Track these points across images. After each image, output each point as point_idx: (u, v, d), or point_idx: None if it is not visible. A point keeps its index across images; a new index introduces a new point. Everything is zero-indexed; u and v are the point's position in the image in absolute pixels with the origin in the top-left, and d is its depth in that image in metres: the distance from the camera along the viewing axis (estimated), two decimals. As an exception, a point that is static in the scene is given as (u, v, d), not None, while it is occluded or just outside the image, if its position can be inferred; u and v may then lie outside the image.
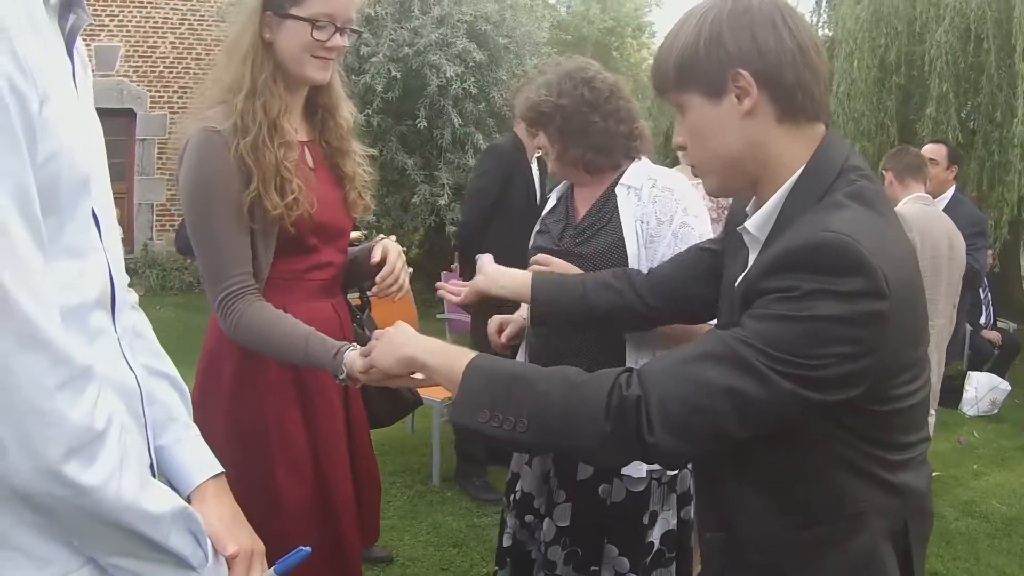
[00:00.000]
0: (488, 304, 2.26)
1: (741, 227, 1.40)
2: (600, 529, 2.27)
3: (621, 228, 2.23)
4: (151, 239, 13.68)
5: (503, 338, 2.45)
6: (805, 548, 1.34)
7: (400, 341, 1.52)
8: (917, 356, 1.29)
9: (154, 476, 1.24)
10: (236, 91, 1.92)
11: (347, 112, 2.16)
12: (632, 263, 2.19)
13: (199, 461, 1.35)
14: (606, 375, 1.29)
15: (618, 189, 2.28)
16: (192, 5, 13.56)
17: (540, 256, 2.28)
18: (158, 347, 1.39)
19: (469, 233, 4.75)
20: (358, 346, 1.81)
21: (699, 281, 1.82)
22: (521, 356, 2.50)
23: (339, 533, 2.09)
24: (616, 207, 2.26)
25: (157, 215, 13.74)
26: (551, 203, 2.54)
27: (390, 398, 2.29)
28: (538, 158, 4.81)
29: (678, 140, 1.45)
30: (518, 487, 2.45)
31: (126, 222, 13.51)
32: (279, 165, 1.89)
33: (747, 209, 1.45)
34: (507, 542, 2.48)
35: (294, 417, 2.03)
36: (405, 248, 2.97)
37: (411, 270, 2.23)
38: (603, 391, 1.26)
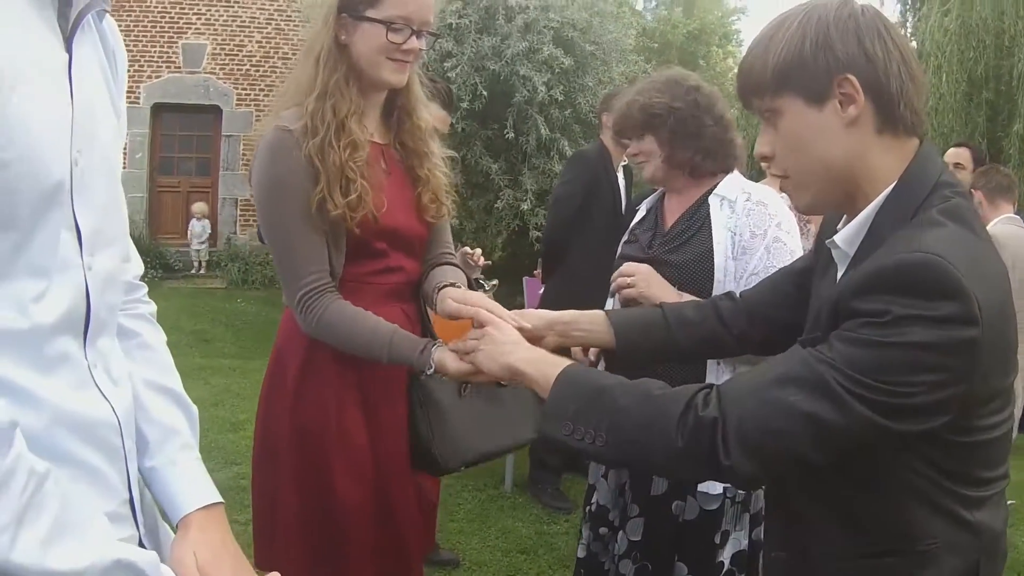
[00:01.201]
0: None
1: (830, 240, 1.36)
2: (671, 546, 2.24)
3: (711, 238, 2.22)
4: (234, 233, 13.93)
5: (590, 354, 2.42)
6: None
7: (505, 349, 1.55)
8: (1005, 385, 1.24)
9: (133, 505, 1.17)
10: (308, 92, 1.93)
11: (426, 114, 2.15)
12: (719, 274, 2.19)
13: (190, 489, 1.25)
14: (684, 391, 1.28)
15: (711, 199, 2.27)
16: (279, 5, 13.77)
17: (626, 266, 2.27)
18: (168, 362, 1.33)
19: (553, 240, 4.75)
20: (444, 344, 1.82)
21: (789, 307, 1.70)
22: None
23: (399, 536, 2.08)
24: (708, 217, 2.25)
25: (241, 210, 13.97)
26: (640, 214, 2.55)
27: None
28: (624, 167, 4.76)
29: (763, 150, 1.39)
30: (594, 499, 2.43)
31: (211, 216, 13.79)
32: (344, 165, 1.89)
33: (838, 225, 1.40)
34: (581, 553, 2.46)
35: (355, 418, 2.02)
36: (487, 253, 2.96)
37: (495, 282, 2.19)
38: (678, 406, 1.26)
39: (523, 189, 9.63)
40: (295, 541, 2.03)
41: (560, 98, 9.40)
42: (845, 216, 1.37)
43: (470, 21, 9.34)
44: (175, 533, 1.25)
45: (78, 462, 1.05)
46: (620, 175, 4.74)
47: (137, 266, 1.33)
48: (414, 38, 1.94)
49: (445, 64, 9.00)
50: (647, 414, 1.28)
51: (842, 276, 1.33)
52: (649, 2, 21.50)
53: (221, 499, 1.29)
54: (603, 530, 2.38)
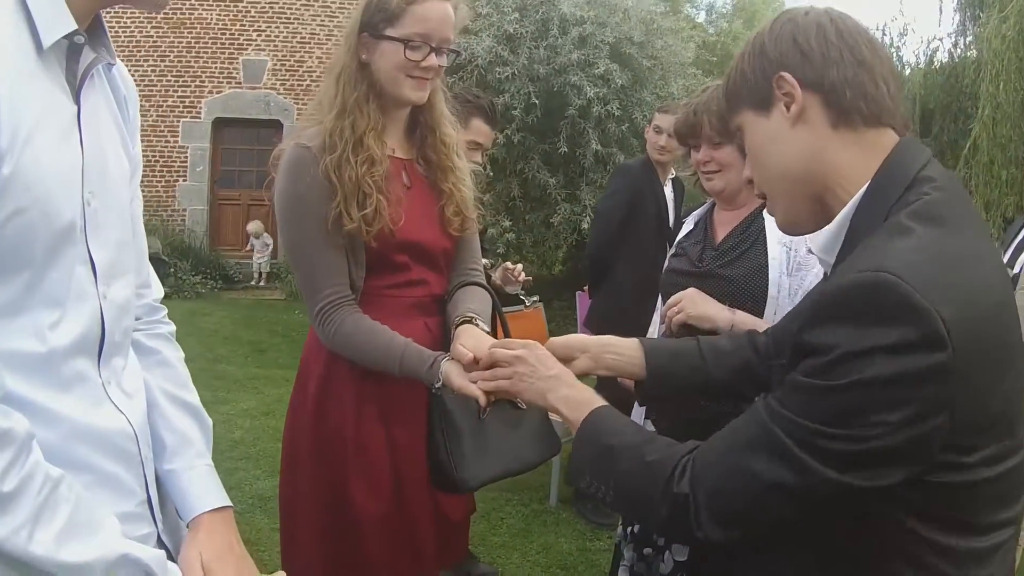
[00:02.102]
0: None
1: (809, 249, 1.33)
2: (718, 566, 2.20)
3: (766, 253, 2.19)
4: (295, 245, 14.05)
5: None
6: None
7: (547, 385, 1.52)
8: (1009, 407, 1.08)
9: (151, 505, 1.29)
10: (329, 110, 1.98)
11: (450, 129, 2.17)
12: (772, 290, 2.16)
13: (203, 493, 1.36)
14: (672, 456, 1.21)
15: (766, 213, 2.21)
16: (339, 22, 13.93)
17: (672, 299, 2.24)
18: (186, 378, 1.45)
19: (597, 255, 4.72)
20: (459, 355, 1.83)
21: None
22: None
23: (417, 550, 2.11)
24: (763, 231, 2.22)
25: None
26: (687, 227, 2.51)
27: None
28: (674, 179, 4.73)
29: (746, 173, 1.39)
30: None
31: (271, 228, 13.98)
32: (360, 180, 1.93)
33: None
34: (624, 575, 2.43)
35: (374, 432, 2.05)
36: (547, 267, 2.95)
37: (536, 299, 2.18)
38: (663, 479, 1.18)
39: (581, 204, 9.64)
40: (314, 550, 2.08)
41: (617, 112, 9.39)
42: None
43: (527, 31, 9.39)
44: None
45: (95, 469, 1.16)
46: (668, 188, 4.70)
47: (158, 290, 1.47)
48: (433, 55, 1.97)
49: (497, 70, 9.06)
50: (640, 483, 1.23)
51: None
52: (710, 15, 21.36)
53: (230, 503, 1.40)
54: (647, 551, 2.33)
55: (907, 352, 0.97)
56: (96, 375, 1.18)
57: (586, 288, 5.16)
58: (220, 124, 14.02)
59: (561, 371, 1.55)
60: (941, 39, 13.01)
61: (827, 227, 1.23)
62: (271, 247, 13.72)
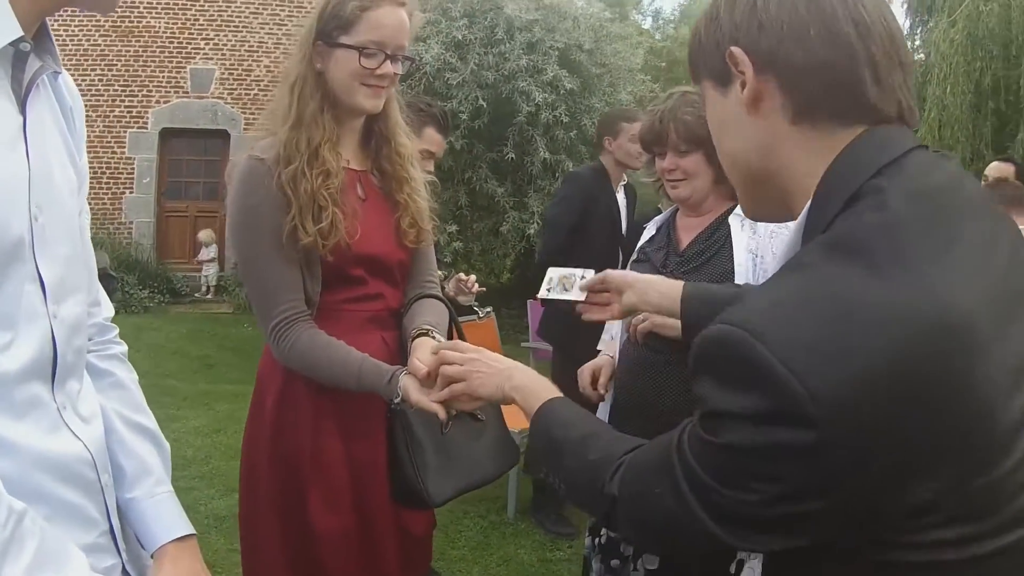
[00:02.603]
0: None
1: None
2: (689, 574, 2.19)
3: (732, 260, 2.18)
4: (242, 259, 13.92)
5: (600, 386, 2.41)
6: None
7: (503, 376, 1.50)
8: (966, 488, 0.84)
9: (114, 535, 1.24)
10: (283, 121, 1.94)
11: (405, 139, 2.14)
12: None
13: (166, 521, 1.33)
14: (610, 456, 1.12)
15: (731, 220, 2.24)
16: (287, 30, 13.82)
17: None
18: (140, 401, 1.40)
19: (549, 262, 4.64)
20: (414, 369, 1.80)
21: None
22: (608, 400, 2.45)
23: (380, 565, 2.08)
24: (728, 237, 2.22)
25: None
26: (649, 233, 2.50)
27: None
28: (626, 186, 4.72)
29: None
30: (603, 531, 2.39)
31: (217, 240, 13.85)
32: (315, 193, 1.90)
33: None
34: None
35: (333, 448, 2.02)
36: (495, 275, 2.94)
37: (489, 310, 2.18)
38: (603, 477, 1.10)
39: (529, 211, 9.63)
40: (277, 567, 2.04)
41: (565, 119, 9.40)
42: None
43: (475, 37, 9.37)
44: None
45: (55, 500, 1.11)
46: (621, 195, 4.69)
47: (108, 309, 1.41)
48: (388, 63, 1.94)
49: (447, 76, 9.03)
50: (583, 480, 1.17)
51: None
52: (656, 21, 21.48)
53: (194, 531, 1.36)
54: (615, 562, 2.34)
55: (764, 423, 0.82)
56: (51, 399, 1.13)
57: (538, 296, 5.11)
58: (167, 134, 13.84)
59: (514, 364, 1.53)
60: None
61: (786, 242, 1.03)
62: (216, 259, 13.61)
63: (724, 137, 1.09)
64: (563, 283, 2.07)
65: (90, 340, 1.32)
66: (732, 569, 2.18)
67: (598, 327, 4.71)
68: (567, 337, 4.56)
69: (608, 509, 1.09)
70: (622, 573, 2.32)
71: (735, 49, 1.00)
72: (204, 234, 13.62)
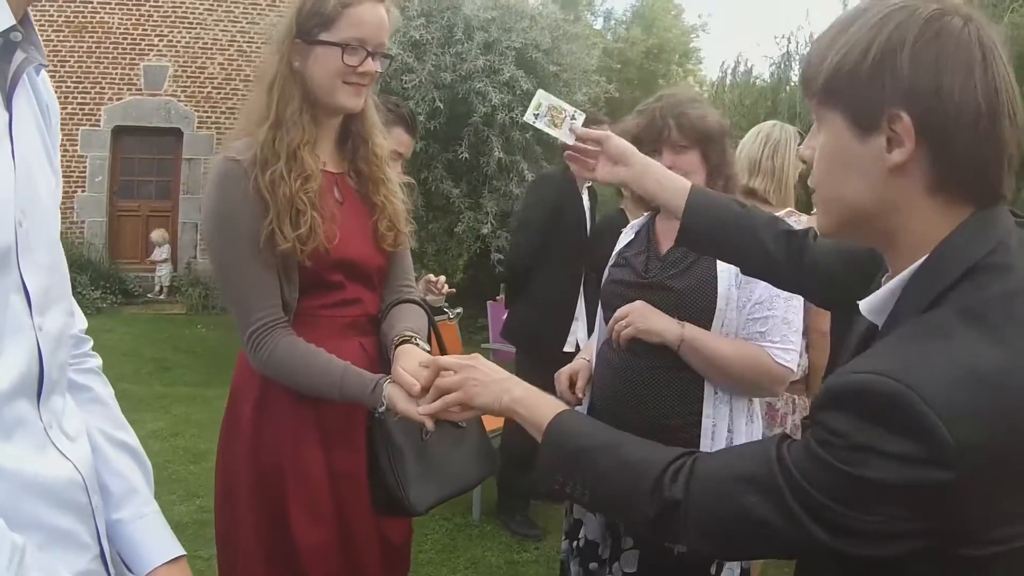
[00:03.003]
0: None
1: (860, 302, 1.16)
2: None
3: (715, 265, 2.15)
4: (195, 258, 13.84)
5: (578, 389, 2.38)
6: None
7: (502, 387, 1.48)
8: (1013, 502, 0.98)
9: (104, 559, 1.18)
10: (261, 122, 1.89)
11: (382, 140, 2.10)
12: (720, 302, 2.13)
13: (156, 543, 1.27)
14: (660, 459, 1.19)
15: None
16: (241, 27, 13.73)
17: (618, 312, 2.20)
18: (120, 416, 1.34)
19: (518, 265, 4.66)
20: (400, 379, 1.76)
21: (857, 266, 1.42)
22: (586, 404, 2.43)
23: (362, 573, 2.04)
24: None
25: (201, 234, 13.86)
26: (627, 237, 2.47)
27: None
28: (589, 188, 4.71)
29: (804, 152, 1.19)
30: (581, 534, 2.37)
31: (171, 240, 13.67)
32: (294, 197, 1.84)
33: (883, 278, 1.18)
34: None
35: (314, 457, 1.97)
36: (448, 275, 2.89)
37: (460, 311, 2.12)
38: (649, 481, 1.17)
39: (484, 212, 9.63)
40: None
41: (521, 120, 9.39)
42: (888, 270, 1.15)
43: (432, 37, 9.32)
44: None
45: (47, 526, 1.05)
46: (586, 197, 4.69)
47: (81, 320, 1.33)
48: (370, 60, 1.90)
49: (404, 78, 8.98)
50: (622, 483, 1.22)
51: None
52: (608, 22, 21.50)
53: (184, 552, 1.30)
54: (593, 565, 2.32)
55: (908, 465, 0.92)
56: (36, 418, 1.06)
57: (499, 298, 5.08)
58: (120, 132, 13.67)
59: (510, 376, 1.51)
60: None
61: (880, 291, 1.10)
62: (169, 260, 13.48)
63: (842, 177, 1.09)
64: (552, 115, 1.90)
65: None
66: (713, 570, 2.17)
67: (563, 330, 4.70)
68: (531, 339, 4.53)
69: (667, 511, 1.14)
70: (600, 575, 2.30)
71: (905, 117, 0.99)
72: (157, 234, 13.49)
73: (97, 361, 1.35)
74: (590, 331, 4.96)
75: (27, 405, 1.03)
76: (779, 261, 1.61)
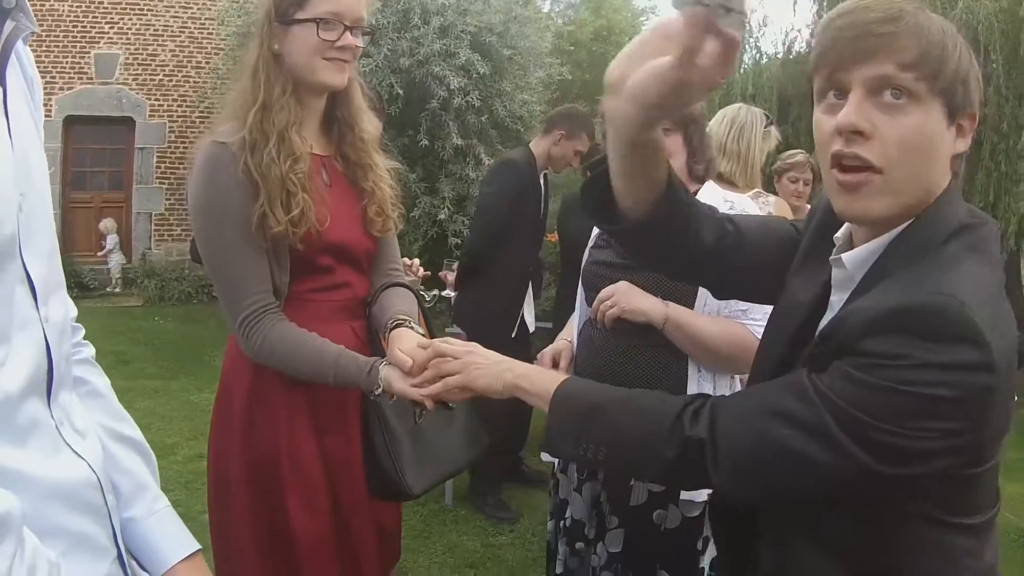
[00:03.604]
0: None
1: (835, 259, 1.25)
2: (653, 554, 2.22)
3: None
4: (149, 248, 13.65)
5: (561, 371, 2.39)
6: None
7: (503, 367, 1.50)
8: (1010, 422, 1.16)
9: (122, 561, 1.12)
10: (248, 106, 1.88)
11: (368, 125, 2.09)
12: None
13: (172, 540, 1.22)
14: (674, 403, 1.26)
15: None
16: (192, 13, 13.55)
17: (602, 292, 2.22)
18: (119, 408, 1.27)
19: (480, 250, 4.64)
20: (398, 361, 1.76)
21: (778, 258, 1.47)
22: None
23: (359, 562, 2.04)
24: None
25: (156, 224, 13.71)
26: None
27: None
28: (544, 174, 4.73)
29: (861, 124, 1.14)
30: (568, 514, 2.40)
31: (125, 231, 13.46)
32: (284, 179, 1.84)
33: (838, 235, 1.29)
34: (559, 569, 2.44)
35: (308, 445, 1.97)
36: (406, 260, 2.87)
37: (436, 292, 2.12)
38: (668, 420, 1.23)
39: (440, 197, 9.63)
40: (253, 571, 1.97)
41: (477, 103, 9.38)
42: (854, 232, 1.27)
43: (388, 22, 9.28)
44: None
45: (70, 532, 1.00)
46: (542, 183, 4.70)
47: (72, 308, 1.24)
48: (348, 34, 1.89)
49: (361, 62, 8.86)
50: (639, 430, 1.27)
51: (844, 303, 1.22)
52: (558, 3, 21.36)
53: (199, 546, 1.26)
54: (579, 545, 2.35)
55: (967, 372, 1.03)
56: (48, 416, 1.00)
57: (443, 273, 5.05)
58: (71, 122, 13.40)
59: (508, 359, 1.54)
60: (799, 30, 13.46)
61: (868, 245, 1.22)
62: (117, 249, 13.31)
63: (929, 159, 1.17)
64: None
65: None
66: (699, 546, 2.20)
67: (513, 315, 4.73)
68: (485, 323, 4.55)
69: (690, 451, 1.19)
70: (586, 555, 2.34)
71: (976, 115, 1.20)
72: (105, 223, 13.28)
73: (90, 351, 1.28)
74: (539, 316, 4.99)
75: (39, 404, 0.98)
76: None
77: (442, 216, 9.51)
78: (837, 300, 1.26)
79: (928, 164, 1.16)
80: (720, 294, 1.72)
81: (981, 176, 8.75)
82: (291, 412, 1.95)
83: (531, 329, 4.80)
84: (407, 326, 1.89)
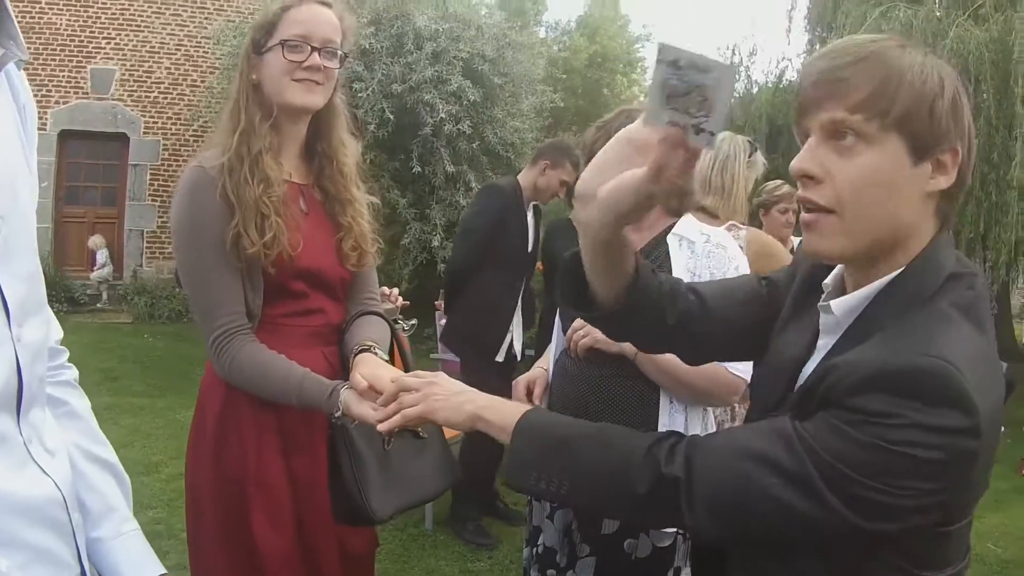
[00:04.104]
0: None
1: (824, 304, 1.25)
2: None
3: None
4: (140, 265, 13.64)
5: (535, 398, 2.39)
6: None
7: (465, 398, 1.47)
8: (986, 481, 1.18)
9: None
10: (230, 133, 1.94)
11: (348, 159, 2.13)
12: None
13: (135, 562, 1.25)
14: (644, 437, 1.24)
15: (670, 239, 2.24)
16: (189, 31, 13.60)
17: (576, 323, 2.21)
18: (96, 430, 1.31)
19: (459, 271, 4.70)
20: (356, 384, 1.80)
21: (745, 321, 1.51)
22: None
23: None
24: (667, 255, 2.22)
25: (148, 242, 13.69)
26: None
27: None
28: (535, 205, 4.78)
29: (810, 169, 1.18)
30: (540, 541, 2.39)
31: (116, 248, 13.44)
32: (258, 201, 1.89)
33: (826, 281, 1.31)
34: None
35: (275, 465, 1.99)
36: (393, 285, 2.87)
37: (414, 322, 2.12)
38: (639, 455, 1.20)
39: (431, 223, 9.64)
40: None
41: (468, 130, 9.41)
42: (844, 277, 1.27)
43: (381, 46, 9.32)
44: None
45: (29, 545, 1.02)
46: (530, 213, 4.73)
47: (57, 331, 1.28)
48: (316, 55, 1.93)
49: (354, 86, 8.97)
50: (609, 465, 1.23)
51: (830, 348, 1.23)
52: (553, 30, 21.46)
53: (165, 570, 1.29)
54: (551, 572, 2.34)
55: (953, 436, 1.04)
56: (16, 433, 1.02)
57: (438, 303, 5.13)
58: (66, 137, 13.41)
59: (472, 389, 1.51)
60: (790, 59, 13.57)
61: (857, 293, 1.21)
62: (108, 264, 13.26)
63: (886, 197, 1.16)
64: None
65: None
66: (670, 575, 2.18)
67: (498, 340, 4.76)
68: (466, 346, 4.58)
69: (663, 489, 1.17)
70: None
71: (960, 152, 1.16)
72: (94, 240, 13.26)
73: (73, 373, 1.31)
74: (527, 344, 5.01)
75: (7, 420, 1.01)
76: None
77: (435, 243, 9.53)
78: (824, 344, 1.26)
79: (887, 202, 1.15)
80: (693, 361, 1.70)
81: (971, 207, 8.77)
82: (260, 431, 1.98)
83: (519, 357, 4.82)
84: (372, 352, 1.92)
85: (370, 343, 1.95)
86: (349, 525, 1.98)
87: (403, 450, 1.93)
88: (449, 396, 1.49)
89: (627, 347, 2.10)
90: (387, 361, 1.94)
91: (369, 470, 1.86)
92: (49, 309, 1.21)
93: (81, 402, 1.30)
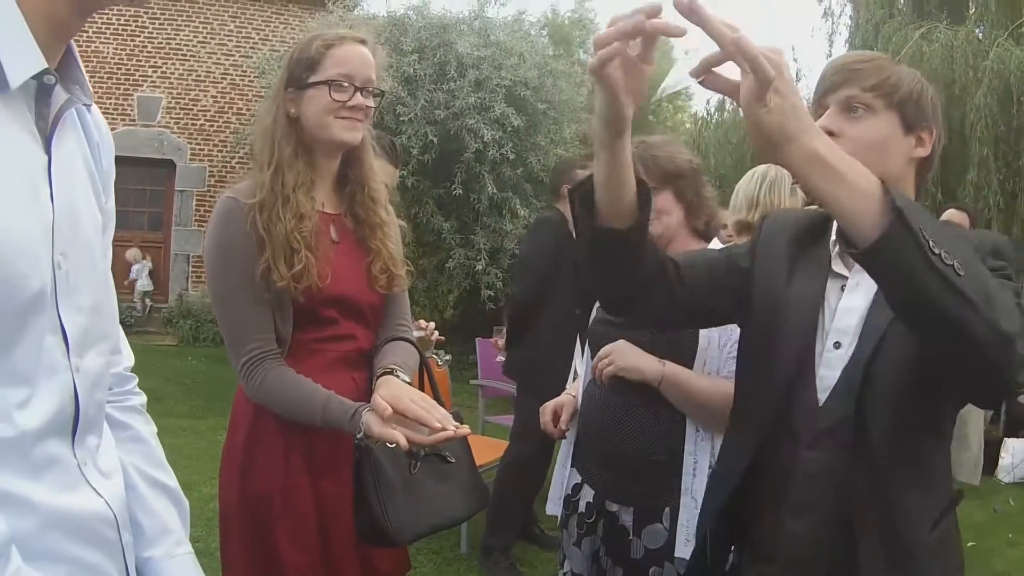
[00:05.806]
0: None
1: (851, 251, 1.26)
2: None
3: None
4: (186, 290, 13.75)
5: (562, 423, 2.43)
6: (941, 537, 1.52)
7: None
8: None
9: None
10: (264, 167, 1.99)
11: (379, 184, 2.18)
12: (702, 343, 2.19)
13: None
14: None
15: None
16: (234, 60, 13.77)
17: (601, 351, 2.26)
18: (160, 456, 1.36)
19: (524, 304, 4.70)
20: (376, 406, 1.83)
21: (720, 290, 1.70)
22: (571, 439, 2.49)
23: None
24: None
25: (193, 266, 13.81)
26: None
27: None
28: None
29: (831, 126, 1.53)
30: (567, 567, 2.42)
31: (162, 272, 13.60)
32: (289, 236, 1.93)
33: (833, 239, 1.63)
34: None
35: (302, 485, 2.03)
36: (439, 311, 2.90)
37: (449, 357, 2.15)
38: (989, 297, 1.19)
39: (475, 248, 9.64)
40: None
41: (511, 156, 9.45)
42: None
43: (425, 73, 9.41)
44: None
45: (73, 559, 1.04)
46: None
47: (128, 357, 1.35)
48: (359, 95, 1.99)
49: (398, 110, 9.05)
50: (991, 280, 1.22)
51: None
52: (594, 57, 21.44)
53: None
54: None
55: None
56: (71, 456, 1.05)
57: (494, 341, 5.11)
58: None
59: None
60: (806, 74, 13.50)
61: None
62: (145, 277, 13.38)
63: (887, 153, 1.56)
64: None
65: (110, 390, 1.24)
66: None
67: (564, 370, 4.74)
68: (534, 379, 4.56)
69: (1000, 346, 1.22)
70: None
71: (934, 130, 1.60)
72: (132, 253, 13.34)
73: (141, 399, 1.37)
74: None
75: (61, 444, 1.03)
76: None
77: (479, 267, 9.56)
78: (855, 282, 1.57)
79: (881, 157, 1.51)
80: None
81: (1016, 230, 8.76)
82: (288, 452, 2.02)
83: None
84: (395, 375, 1.96)
85: (393, 366, 1.98)
86: (373, 546, 2.00)
87: (430, 473, 1.97)
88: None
89: (649, 374, 2.15)
90: (408, 383, 1.96)
91: (394, 492, 1.89)
92: (121, 337, 1.30)
93: (147, 428, 1.35)
